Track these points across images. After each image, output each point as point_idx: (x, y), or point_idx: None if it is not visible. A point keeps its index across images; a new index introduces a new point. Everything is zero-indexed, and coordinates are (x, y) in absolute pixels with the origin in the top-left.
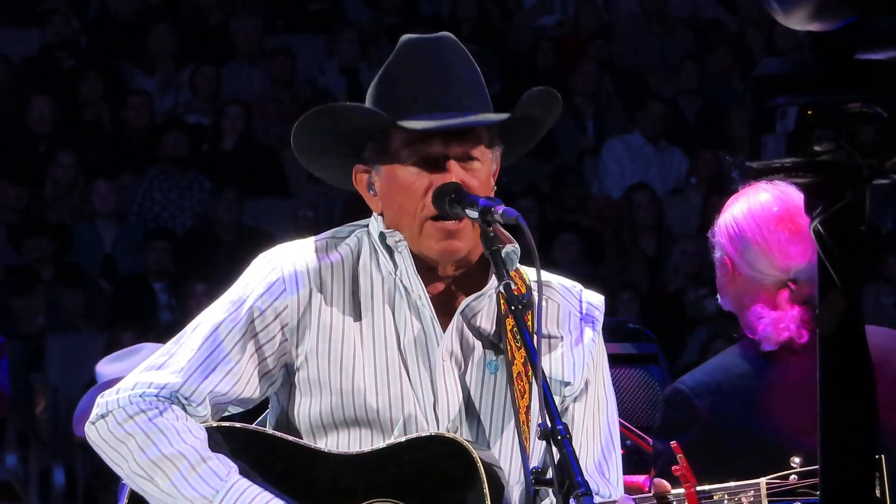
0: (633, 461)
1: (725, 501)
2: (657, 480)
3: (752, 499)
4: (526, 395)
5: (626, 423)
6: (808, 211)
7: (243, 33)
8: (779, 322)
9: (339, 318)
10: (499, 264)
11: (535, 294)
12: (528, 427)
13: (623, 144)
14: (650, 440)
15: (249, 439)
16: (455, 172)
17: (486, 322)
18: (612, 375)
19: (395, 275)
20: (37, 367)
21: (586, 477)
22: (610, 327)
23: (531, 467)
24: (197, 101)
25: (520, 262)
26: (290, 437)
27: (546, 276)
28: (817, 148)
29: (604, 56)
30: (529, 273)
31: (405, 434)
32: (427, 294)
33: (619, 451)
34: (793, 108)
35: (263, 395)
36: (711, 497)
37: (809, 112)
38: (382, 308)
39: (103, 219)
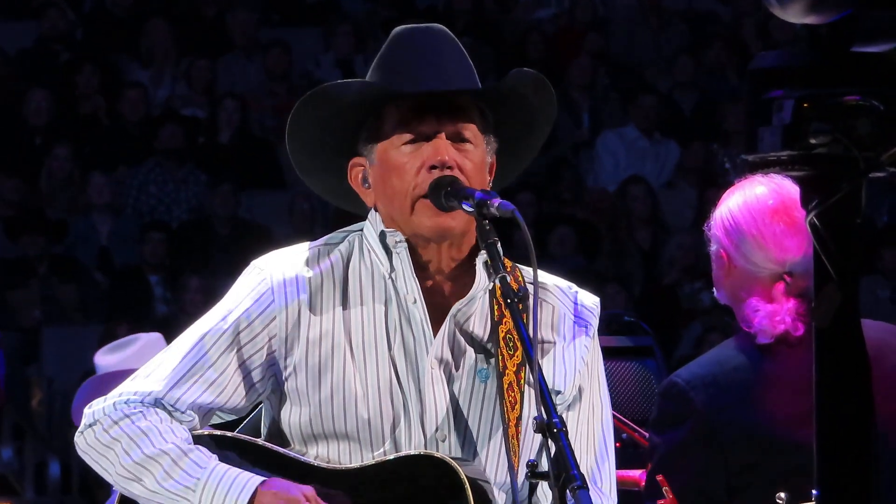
0: (629, 455)
1: None
2: None
3: None
4: (517, 407)
5: (622, 417)
6: (804, 204)
7: (239, 26)
8: (774, 315)
9: (328, 328)
10: (494, 257)
11: (531, 287)
12: (517, 440)
13: (618, 137)
14: (646, 434)
15: (239, 449)
16: (447, 151)
17: (479, 327)
18: (607, 368)
19: (391, 277)
20: (33, 360)
21: None
22: (605, 320)
23: (528, 460)
24: (193, 94)
25: (516, 257)
26: (280, 449)
27: (542, 276)
28: (813, 141)
29: (599, 49)
30: (526, 272)
31: (395, 446)
32: (422, 297)
33: (613, 460)
34: (789, 101)
35: (252, 404)
36: None
37: (806, 105)
38: (373, 315)
39: (99, 211)
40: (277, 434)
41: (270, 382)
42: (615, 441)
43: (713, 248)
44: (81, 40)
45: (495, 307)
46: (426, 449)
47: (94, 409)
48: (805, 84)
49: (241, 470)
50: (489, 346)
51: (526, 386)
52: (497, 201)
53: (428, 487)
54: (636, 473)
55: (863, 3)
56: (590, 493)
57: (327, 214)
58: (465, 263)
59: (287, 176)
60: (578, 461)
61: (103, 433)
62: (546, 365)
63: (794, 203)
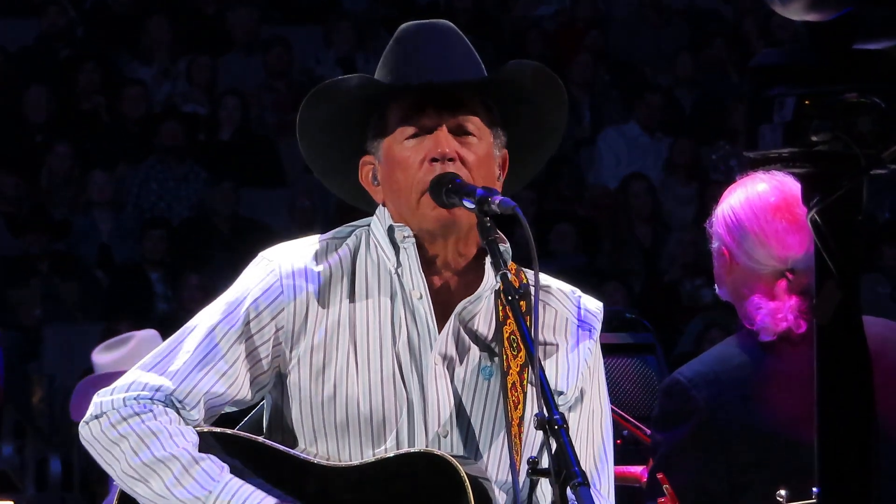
0: (630, 451)
1: None
2: None
3: None
4: (520, 406)
5: (623, 413)
6: (805, 201)
7: (240, 24)
8: (777, 312)
9: (334, 321)
10: (496, 253)
11: (533, 288)
12: (519, 440)
13: (619, 134)
14: (646, 430)
15: (240, 446)
16: (449, 141)
17: (483, 326)
18: (607, 365)
19: (397, 272)
20: (33, 357)
21: None
22: (606, 317)
23: (529, 457)
24: (193, 92)
25: (517, 255)
26: (280, 446)
27: (545, 279)
28: (814, 138)
29: (600, 46)
30: (530, 276)
31: (397, 441)
32: (428, 293)
33: (612, 463)
34: (790, 99)
35: (257, 396)
36: None
37: (807, 102)
38: (378, 310)
39: (100, 209)
40: (279, 429)
41: (275, 374)
42: (616, 438)
43: (715, 245)
44: (82, 38)
45: (500, 307)
46: (428, 445)
47: (102, 400)
48: (806, 81)
49: (254, 488)
50: (493, 344)
51: (529, 386)
52: (498, 198)
53: (428, 485)
54: (637, 470)
55: (864, 0)
56: (591, 490)
57: (328, 211)
58: (473, 261)
59: (288, 173)
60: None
61: (110, 428)
62: (548, 366)
63: (796, 200)
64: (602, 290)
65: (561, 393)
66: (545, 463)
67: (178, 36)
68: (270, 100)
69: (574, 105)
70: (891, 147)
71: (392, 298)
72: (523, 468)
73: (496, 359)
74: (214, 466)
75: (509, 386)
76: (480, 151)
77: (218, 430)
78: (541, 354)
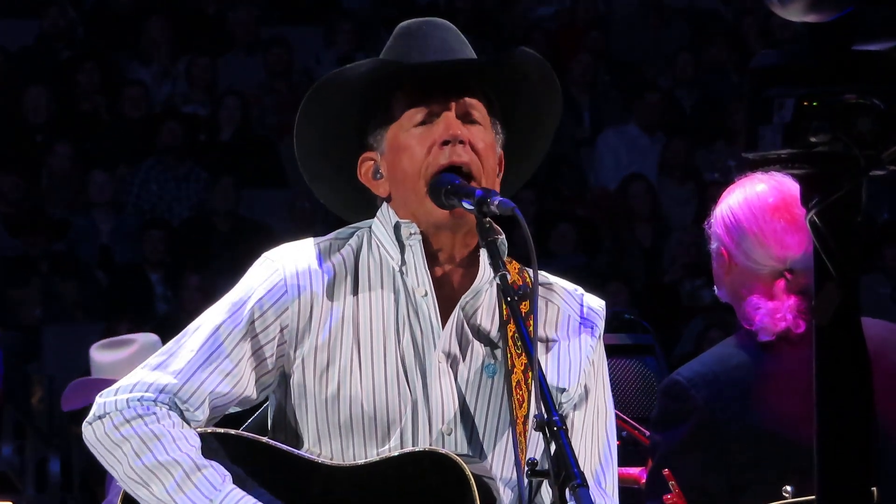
0: (629, 452)
1: None
2: None
3: None
4: (524, 405)
5: (622, 415)
6: (804, 202)
7: (240, 24)
8: (775, 312)
9: (338, 320)
10: (494, 255)
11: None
12: (524, 438)
13: (619, 135)
14: (646, 431)
15: (243, 447)
16: (459, 126)
17: (486, 321)
18: (607, 366)
19: (401, 270)
20: (33, 358)
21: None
22: (606, 318)
23: (528, 458)
24: (193, 92)
25: (516, 255)
26: (284, 446)
27: (547, 277)
28: (814, 139)
29: (600, 47)
30: (531, 274)
31: (401, 440)
32: (433, 290)
33: (616, 461)
34: (790, 100)
35: (261, 396)
36: None
37: (806, 103)
38: (381, 309)
39: (100, 209)
40: (283, 429)
41: (279, 374)
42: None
43: (714, 245)
44: (82, 38)
45: (504, 306)
46: (432, 443)
47: (106, 401)
48: (806, 82)
49: (255, 499)
50: (497, 341)
51: (534, 384)
52: (497, 199)
53: (432, 484)
54: (636, 471)
55: (864, 1)
56: (590, 491)
57: (328, 213)
58: (474, 253)
59: (288, 174)
60: (583, 462)
61: (113, 430)
62: (550, 362)
63: (795, 200)
64: (606, 290)
65: (563, 390)
66: (545, 464)
67: (179, 36)
68: (271, 100)
69: (574, 105)
70: (890, 148)
71: (395, 297)
72: (532, 454)
73: (500, 356)
74: (217, 475)
75: (513, 384)
76: (487, 139)
77: (221, 430)
78: (542, 352)
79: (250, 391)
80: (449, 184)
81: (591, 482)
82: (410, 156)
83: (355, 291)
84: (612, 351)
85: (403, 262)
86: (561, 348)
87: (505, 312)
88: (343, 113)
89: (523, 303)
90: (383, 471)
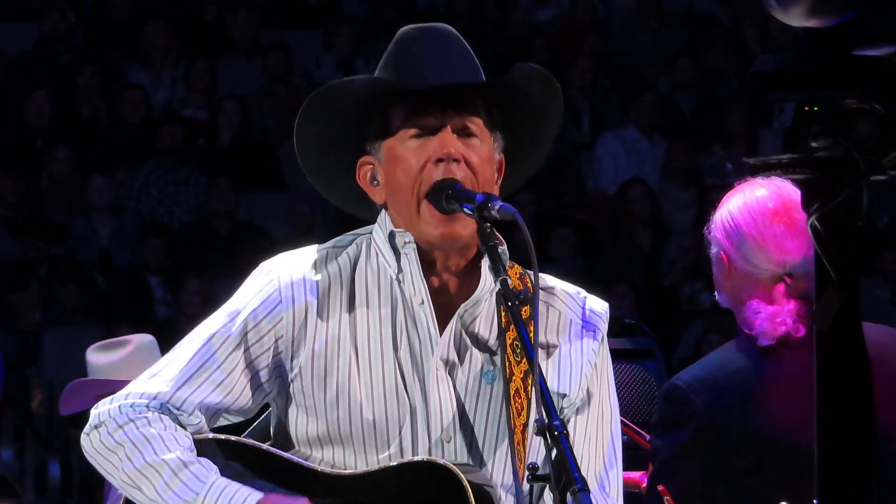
0: (630, 457)
1: None
2: None
3: None
4: (523, 413)
5: (623, 419)
6: (805, 207)
7: (239, 28)
8: (775, 317)
9: (335, 330)
10: (496, 260)
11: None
12: (523, 447)
13: (618, 139)
14: (646, 435)
15: (240, 452)
16: (454, 144)
17: (485, 329)
18: None
19: (398, 278)
20: (33, 361)
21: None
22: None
23: (528, 463)
24: (193, 96)
25: (517, 259)
26: (283, 453)
27: (549, 280)
28: (814, 144)
29: (599, 51)
30: (532, 278)
31: (400, 447)
32: (430, 298)
33: (620, 465)
34: (790, 104)
35: (259, 405)
36: None
37: (806, 108)
38: (379, 318)
39: (99, 213)
40: (284, 437)
41: (277, 384)
42: None
43: (713, 250)
44: (82, 42)
45: (503, 313)
46: (431, 450)
47: (101, 411)
48: (806, 87)
49: (240, 485)
50: (495, 349)
51: (534, 389)
52: (498, 204)
53: (430, 494)
54: (637, 475)
55: (864, 6)
56: (591, 496)
57: (328, 217)
58: (472, 262)
59: (287, 178)
60: (587, 465)
61: (108, 437)
62: (551, 367)
63: (795, 205)
64: (613, 294)
65: (564, 395)
66: (547, 469)
67: (178, 40)
68: (270, 104)
69: (573, 109)
70: (890, 153)
71: (393, 305)
72: (532, 459)
73: (498, 363)
74: (203, 469)
75: (512, 392)
76: (483, 153)
77: (221, 436)
78: (543, 357)
79: (244, 401)
80: (450, 188)
81: (594, 486)
82: (405, 169)
83: (352, 300)
84: (612, 355)
85: (400, 270)
86: (562, 353)
87: (504, 319)
88: (341, 119)
89: (524, 307)
90: (382, 480)
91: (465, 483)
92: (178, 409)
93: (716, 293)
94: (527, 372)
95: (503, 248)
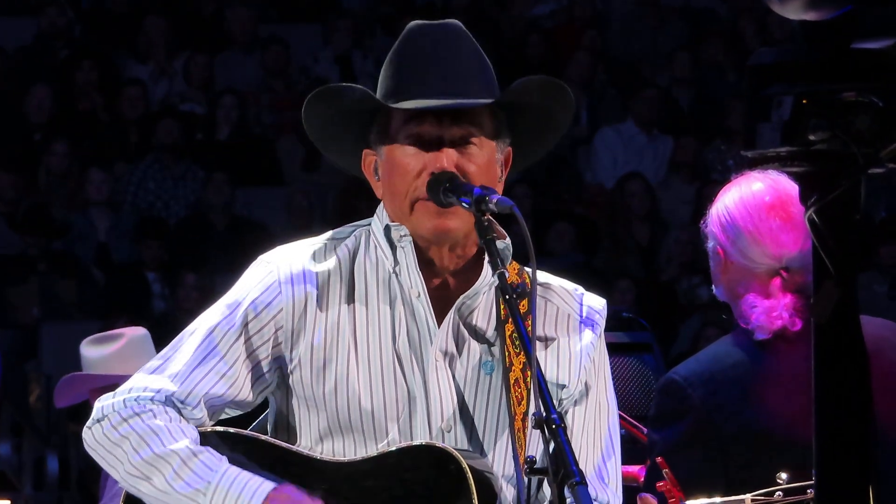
0: (628, 450)
1: None
2: (643, 496)
3: None
4: (523, 402)
5: (621, 412)
6: (802, 200)
7: (237, 22)
8: (772, 310)
9: (334, 321)
10: (493, 253)
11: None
12: (523, 435)
13: (616, 134)
14: (644, 429)
15: (242, 443)
16: (449, 155)
17: (483, 321)
18: None
19: (395, 271)
20: (31, 356)
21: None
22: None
23: (526, 456)
24: (191, 91)
25: (515, 254)
26: (283, 443)
27: (547, 277)
28: (812, 137)
29: (597, 45)
30: (530, 274)
31: (400, 438)
32: (426, 290)
33: (619, 456)
34: (788, 98)
35: (259, 398)
36: None
37: (804, 101)
38: (378, 308)
39: (97, 208)
40: (284, 429)
41: (276, 375)
42: None
43: (710, 244)
44: (80, 37)
45: (501, 305)
46: (432, 439)
47: (104, 405)
48: (804, 80)
49: (252, 474)
50: (494, 340)
51: (532, 382)
52: (496, 197)
53: (430, 477)
54: (635, 469)
55: None
56: (588, 489)
57: (325, 211)
58: (472, 259)
59: (285, 172)
60: (585, 457)
61: (112, 430)
62: (550, 359)
63: (791, 198)
64: (615, 288)
65: (563, 386)
66: (545, 462)
67: (176, 35)
68: (268, 99)
69: None
70: (888, 146)
71: (391, 298)
72: (531, 451)
73: (497, 354)
74: (213, 458)
75: (512, 382)
76: (481, 160)
77: (222, 429)
78: (541, 349)
79: (246, 392)
80: (448, 181)
81: (592, 476)
82: (402, 174)
83: (351, 292)
84: (610, 349)
85: (396, 263)
86: (560, 345)
87: (503, 312)
88: (342, 120)
89: (521, 301)
90: (381, 465)
91: (465, 466)
92: (182, 402)
93: (713, 286)
94: (525, 363)
95: (506, 243)
